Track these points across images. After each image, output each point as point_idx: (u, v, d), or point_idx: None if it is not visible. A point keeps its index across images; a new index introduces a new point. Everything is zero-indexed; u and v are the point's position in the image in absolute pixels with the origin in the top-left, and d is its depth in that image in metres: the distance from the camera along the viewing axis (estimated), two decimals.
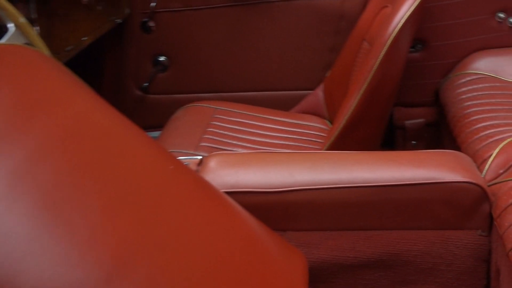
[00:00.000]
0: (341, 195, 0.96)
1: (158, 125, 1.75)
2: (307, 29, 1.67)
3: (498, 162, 1.01)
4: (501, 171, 1.00)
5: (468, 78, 1.39)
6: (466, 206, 0.95)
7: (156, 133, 1.70)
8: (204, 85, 1.74)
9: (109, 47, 1.71)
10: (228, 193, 0.98)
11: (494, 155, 1.03)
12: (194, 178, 0.84)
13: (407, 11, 1.08)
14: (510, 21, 1.41)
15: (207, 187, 0.83)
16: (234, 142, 1.45)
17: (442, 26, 1.43)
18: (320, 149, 1.42)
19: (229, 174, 1.00)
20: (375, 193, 0.95)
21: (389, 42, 1.08)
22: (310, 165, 1.00)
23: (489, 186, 0.98)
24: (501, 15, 1.41)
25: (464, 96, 1.32)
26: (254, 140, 1.47)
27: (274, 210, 0.98)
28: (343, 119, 1.15)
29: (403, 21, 1.08)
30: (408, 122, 1.55)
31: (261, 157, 1.04)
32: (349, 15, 1.64)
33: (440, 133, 1.53)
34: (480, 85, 1.34)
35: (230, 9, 1.65)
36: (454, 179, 0.93)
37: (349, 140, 1.19)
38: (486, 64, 1.41)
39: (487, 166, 1.03)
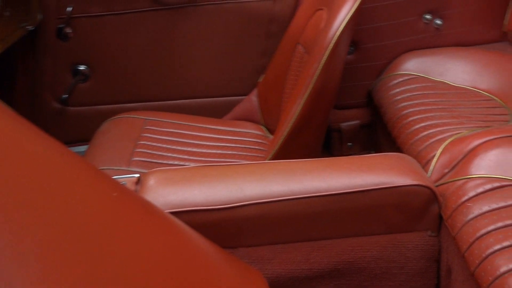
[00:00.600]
0: (293, 206, 0.93)
1: (82, 139, 1.64)
2: (237, 32, 1.63)
3: (442, 162, 1.04)
4: (446, 170, 1.02)
5: (400, 79, 1.42)
6: (416, 209, 0.96)
7: (81, 148, 1.59)
8: (131, 95, 1.64)
9: (21, 57, 1.57)
10: (173, 213, 0.92)
11: (437, 155, 1.05)
12: (137, 202, 0.77)
13: (347, 15, 1.07)
14: (435, 23, 1.46)
15: (150, 210, 0.76)
16: (169, 154, 1.38)
17: (373, 28, 1.46)
18: (262, 158, 1.39)
19: (173, 192, 0.94)
20: (327, 202, 0.93)
21: (331, 46, 1.07)
22: (259, 177, 0.97)
23: (436, 186, 1.00)
24: (428, 16, 1.46)
25: (398, 97, 1.34)
26: (191, 151, 1.41)
27: (224, 227, 0.93)
28: (287, 126, 1.13)
29: (343, 24, 1.07)
30: (343, 125, 1.57)
31: (206, 172, 0.99)
32: (280, 18, 1.63)
33: (375, 133, 1.55)
34: (412, 86, 1.38)
35: (155, 13, 1.57)
36: (404, 182, 0.94)
37: (294, 147, 1.16)
38: (415, 65, 1.45)
39: (431, 167, 1.05)
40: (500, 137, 1.00)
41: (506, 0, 1.45)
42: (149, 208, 0.75)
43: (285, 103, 1.44)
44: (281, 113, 1.41)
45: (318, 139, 1.26)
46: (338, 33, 1.07)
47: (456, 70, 1.40)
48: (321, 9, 1.30)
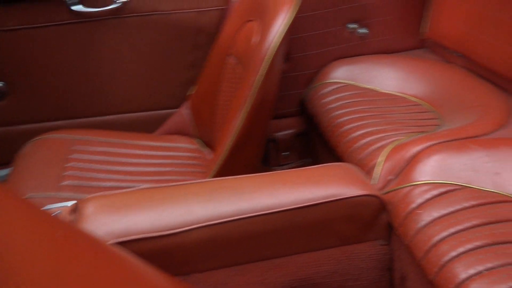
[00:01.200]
0: (245, 226, 0.86)
1: (1, 163, 1.45)
2: (164, 45, 1.53)
3: (386, 170, 1.01)
4: (390, 177, 1.00)
5: (331, 88, 1.39)
6: (366, 219, 0.92)
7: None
8: (55, 112, 1.48)
9: None
10: (117, 243, 0.81)
11: (380, 162, 1.02)
12: (75, 234, 0.65)
13: (282, 25, 1.01)
14: (360, 31, 1.45)
15: (90, 242, 0.65)
16: (102, 175, 1.24)
17: (301, 38, 1.42)
18: (202, 173, 1.30)
19: (116, 220, 0.83)
20: (279, 219, 0.87)
21: (269, 57, 1.01)
22: (207, 197, 0.88)
23: (383, 194, 0.97)
24: (352, 26, 1.44)
25: (332, 106, 1.31)
26: (125, 171, 1.28)
27: (174, 253, 0.83)
28: (228, 141, 1.05)
29: (280, 36, 1.01)
30: (278, 134, 1.51)
31: (150, 195, 0.88)
32: (207, 30, 1.55)
33: (311, 141, 1.51)
34: (343, 94, 1.35)
35: (77, 26, 1.42)
36: (354, 193, 0.89)
37: (236, 161, 1.09)
38: (344, 73, 1.43)
39: (375, 175, 1.02)
40: (439, 143, 0.99)
41: (423, 10, 1.47)
42: (89, 241, 0.64)
43: (220, 115, 1.36)
44: (218, 127, 1.32)
45: (259, 151, 1.20)
46: (275, 44, 1.01)
47: (383, 77, 1.40)
48: (251, 21, 1.23)
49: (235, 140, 1.04)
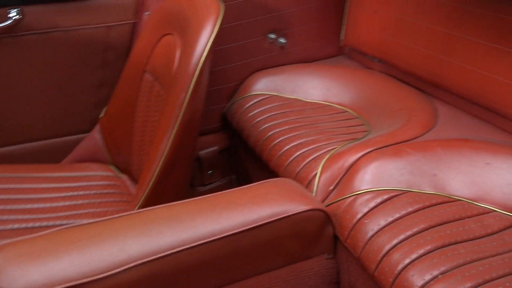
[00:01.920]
0: (187, 257, 0.80)
1: None
2: (69, 63, 1.42)
3: (325, 181, 1.00)
4: (331, 188, 0.99)
5: (255, 100, 1.38)
6: (312, 234, 0.90)
7: None
8: None
9: None
10: None
11: (318, 174, 1.02)
12: None
13: (209, 39, 0.98)
14: (279, 41, 1.46)
15: None
16: (6, 217, 1.11)
17: (221, 50, 1.39)
18: (123, 202, 1.20)
19: (34, 269, 0.73)
20: (224, 245, 0.82)
21: (196, 73, 0.96)
22: (142, 230, 0.81)
23: (326, 207, 0.96)
24: (272, 36, 1.44)
25: (259, 119, 1.29)
26: (33, 209, 1.15)
27: None
28: (156, 166, 0.98)
29: (207, 49, 0.97)
30: (202, 153, 1.46)
31: (74, 235, 0.79)
32: (116, 45, 1.47)
33: (235, 157, 1.48)
34: (269, 106, 1.34)
35: None
36: (298, 209, 0.87)
37: (165, 186, 1.02)
38: (266, 84, 1.43)
39: (315, 187, 1.01)
40: (374, 150, 1.00)
41: (340, 17, 1.51)
42: None
43: (139, 137, 1.28)
44: (137, 150, 1.24)
45: (188, 173, 1.14)
46: (202, 58, 0.97)
47: (306, 86, 1.41)
48: (170, 34, 1.18)
49: (164, 164, 0.98)
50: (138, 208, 1.02)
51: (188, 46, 1.00)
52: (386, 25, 1.32)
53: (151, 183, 0.98)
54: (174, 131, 0.96)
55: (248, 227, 0.83)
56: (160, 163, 0.97)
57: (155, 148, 1.00)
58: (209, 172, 1.51)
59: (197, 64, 0.96)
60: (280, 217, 0.86)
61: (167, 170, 0.99)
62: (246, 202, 0.88)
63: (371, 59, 1.43)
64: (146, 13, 1.41)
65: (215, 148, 1.48)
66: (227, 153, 1.52)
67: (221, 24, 1.35)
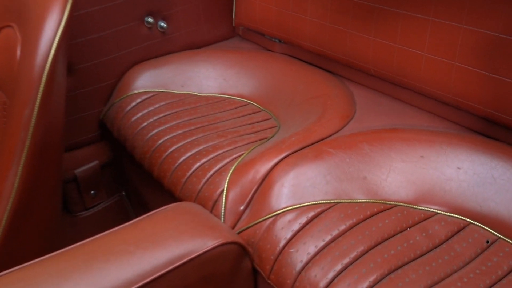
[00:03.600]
0: None
1: None
2: None
3: (234, 198, 0.83)
4: (242, 207, 0.82)
5: (138, 100, 1.16)
6: (226, 274, 0.73)
7: None
8: None
9: None
10: None
11: (225, 191, 0.84)
12: None
13: (57, 28, 0.75)
14: (160, 26, 1.25)
15: None
16: None
17: (87, 42, 1.15)
18: None
19: None
20: None
21: (44, 78, 0.73)
22: None
23: (238, 234, 0.79)
24: (150, 20, 1.23)
25: (144, 125, 1.08)
26: None
27: None
28: (6, 208, 0.74)
29: (56, 43, 0.74)
30: (78, 171, 1.22)
31: None
32: None
33: (123, 171, 1.26)
34: (156, 106, 1.14)
35: None
36: (204, 247, 0.70)
37: (23, 230, 0.79)
38: (151, 79, 1.22)
39: (222, 208, 0.83)
40: (291, 153, 0.85)
41: None
42: None
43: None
44: None
45: (56, 203, 0.91)
46: (50, 58, 0.74)
47: (198, 78, 1.22)
48: (9, 26, 0.92)
49: (15, 205, 0.74)
50: None
51: (29, 42, 0.76)
52: None
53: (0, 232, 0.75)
54: (22, 162, 0.73)
55: (140, 284, 0.64)
56: (8, 209, 0.73)
57: (0, 185, 0.76)
58: (91, 192, 1.27)
59: (43, 67, 0.73)
60: (182, 262, 0.68)
61: (20, 215, 0.75)
62: (135, 248, 0.68)
63: (271, 39, 1.28)
64: None
65: (95, 163, 1.24)
66: (112, 167, 1.29)
67: (82, 9, 1.13)
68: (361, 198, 0.78)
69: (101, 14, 1.14)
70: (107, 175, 1.29)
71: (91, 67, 1.18)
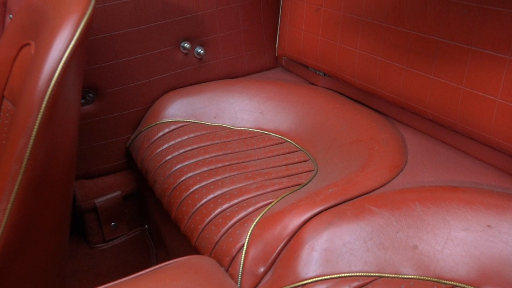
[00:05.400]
0: None
1: None
2: None
3: (255, 257, 0.69)
4: (262, 269, 0.68)
5: (166, 130, 1.05)
6: None
7: None
8: None
9: None
10: None
11: (245, 247, 0.70)
12: None
13: (66, 47, 0.64)
14: (197, 52, 1.13)
15: None
16: None
17: (117, 65, 1.05)
18: None
19: None
20: None
21: (44, 104, 0.62)
22: None
23: None
24: (186, 45, 1.12)
25: (168, 158, 0.96)
26: None
27: None
28: None
29: (62, 64, 0.63)
30: (99, 201, 1.11)
31: None
32: None
33: (145, 203, 1.14)
34: (185, 137, 1.02)
35: None
36: None
37: (14, 272, 0.67)
38: (182, 108, 1.10)
39: (240, 268, 0.69)
40: (326, 209, 0.69)
41: (275, 19, 1.21)
42: None
43: None
44: None
45: (56, 247, 0.79)
46: (54, 81, 0.63)
47: (233, 110, 1.10)
48: (28, 44, 0.83)
49: (4, 241, 0.62)
50: None
51: (37, 61, 0.65)
52: (332, 27, 1.02)
53: None
54: (12, 199, 0.61)
55: None
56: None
57: None
58: (111, 224, 1.16)
59: (45, 91, 0.61)
60: None
61: (7, 263, 0.63)
62: None
63: (315, 72, 1.14)
64: (10, 16, 1.05)
65: (117, 193, 1.13)
66: (135, 198, 1.17)
67: (114, 30, 1.03)
68: (410, 274, 0.62)
69: (135, 37, 1.04)
70: (130, 206, 1.17)
71: (120, 92, 1.08)
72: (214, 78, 1.18)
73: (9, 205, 0.62)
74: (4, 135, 0.86)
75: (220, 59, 1.17)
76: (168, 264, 0.66)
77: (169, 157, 0.97)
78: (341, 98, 1.05)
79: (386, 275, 0.61)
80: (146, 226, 1.21)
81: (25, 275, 0.68)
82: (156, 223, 1.09)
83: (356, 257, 0.62)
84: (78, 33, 0.65)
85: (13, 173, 0.61)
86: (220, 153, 0.96)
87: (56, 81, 0.62)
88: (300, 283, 0.61)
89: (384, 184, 0.74)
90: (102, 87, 1.05)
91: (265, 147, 0.99)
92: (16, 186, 0.61)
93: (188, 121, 1.07)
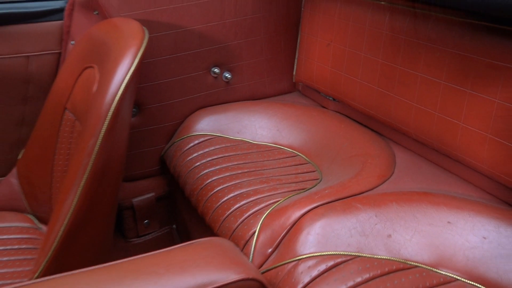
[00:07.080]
0: None
1: None
2: None
3: (264, 241, 0.89)
4: (269, 250, 0.88)
5: (196, 142, 1.27)
6: None
7: None
8: None
9: None
10: None
11: (257, 233, 0.91)
12: None
13: (127, 73, 0.87)
14: (224, 76, 1.37)
15: None
16: None
17: (156, 86, 1.29)
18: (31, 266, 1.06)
19: None
20: None
21: (110, 114, 0.85)
22: None
23: (263, 273, 0.85)
24: (216, 70, 1.35)
25: (197, 164, 1.18)
26: None
27: None
28: (60, 227, 0.85)
29: (124, 85, 0.86)
30: (135, 200, 1.33)
31: None
32: (38, 78, 1.35)
33: (175, 205, 1.36)
34: (211, 148, 1.24)
35: None
36: (227, 279, 0.75)
37: (75, 249, 0.89)
38: (210, 123, 1.32)
39: (252, 248, 0.89)
40: (321, 204, 0.90)
41: (293, 50, 1.44)
42: None
43: (59, 184, 1.15)
44: (55, 199, 1.11)
45: (107, 227, 1.01)
46: (117, 97, 0.86)
47: (253, 126, 1.31)
48: (91, 67, 1.07)
49: (70, 225, 0.85)
50: (38, 277, 0.88)
51: (103, 81, 0.89)
52: (339, 60, 1.24)
53: (54, 247, 0.85)
54: (82, 184, 0.84)
55: None
56: (65, 224, 0.84)
57: (60, 204, 0.87)
58: (145, 222, 1.38)
59: (112, 104, 0.84)
60: None
61: (74, 231, 0.86)
62: (164, 271, 0.76)
63: (325, 97, 1.35)
64: (72, 42, 1.30)
65: (151, 195, 1.36)
66: (166, 200, 1.39)
67: (156, 56, 1.27)
68: (383, 255, 0.81)
69: (173, 62, 1.28)
70: (161, 207, 1.40)
71: (158, 108, 1.31)
72: (239, 99, 1.40)
73: (79, 189, 0.84)
74: (70, 139, 1.10)
75: (245, 83, 1.40)
76: (193, 242, 0.87)
77: (198, 163, 1.19)
78: (346, 120, 1.27)
79: (364, 255, 0.81)
80: (174, 226, 1.42)
81: (87, 242, 0.90)
82: (184, 221, 1.31)
83: (341, 241, 0.82)
84: (136, 62, 0.89)
85: (84, 165, 0.84)
86: (241, 162, 1.17)
87: (119, 98, 0.85)
88: (297, 258, 0.82)
89: (371, 189, 0.95)
90: (144, 103, 1.28)
91: (279, 159, 1.20)
92: (86, 175, 0.84)
93: (214, 135, 1.29)
